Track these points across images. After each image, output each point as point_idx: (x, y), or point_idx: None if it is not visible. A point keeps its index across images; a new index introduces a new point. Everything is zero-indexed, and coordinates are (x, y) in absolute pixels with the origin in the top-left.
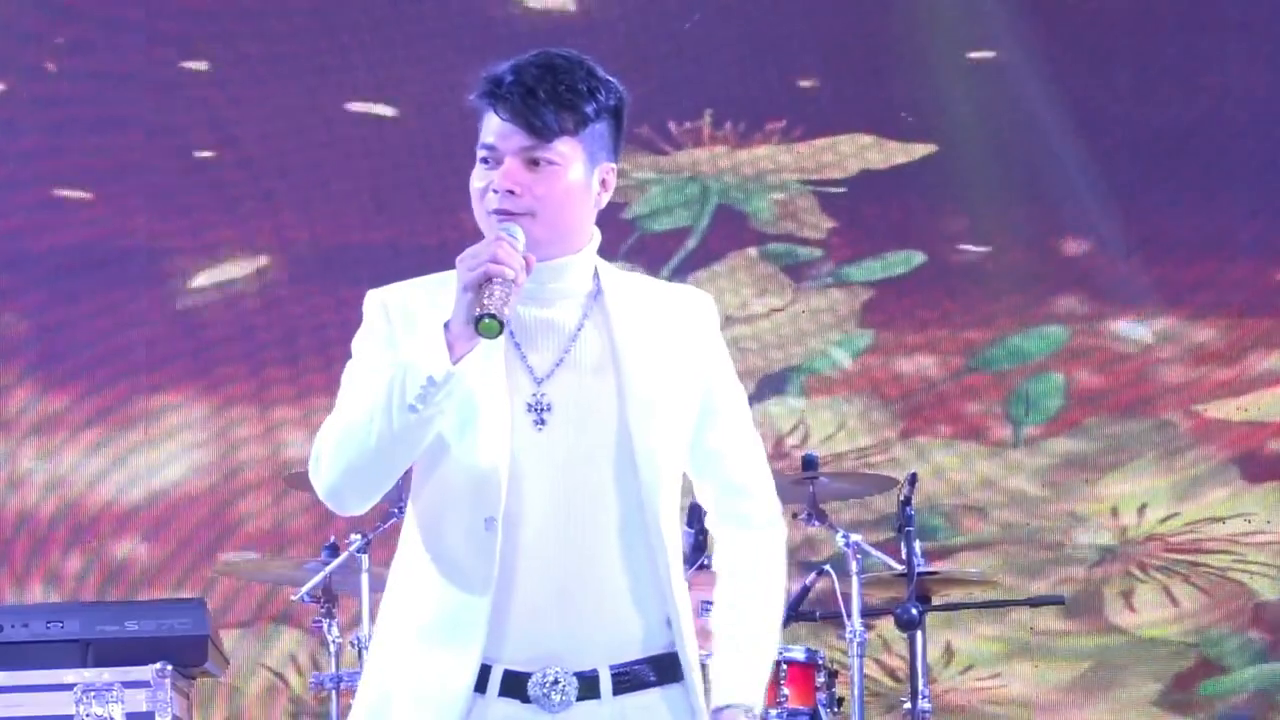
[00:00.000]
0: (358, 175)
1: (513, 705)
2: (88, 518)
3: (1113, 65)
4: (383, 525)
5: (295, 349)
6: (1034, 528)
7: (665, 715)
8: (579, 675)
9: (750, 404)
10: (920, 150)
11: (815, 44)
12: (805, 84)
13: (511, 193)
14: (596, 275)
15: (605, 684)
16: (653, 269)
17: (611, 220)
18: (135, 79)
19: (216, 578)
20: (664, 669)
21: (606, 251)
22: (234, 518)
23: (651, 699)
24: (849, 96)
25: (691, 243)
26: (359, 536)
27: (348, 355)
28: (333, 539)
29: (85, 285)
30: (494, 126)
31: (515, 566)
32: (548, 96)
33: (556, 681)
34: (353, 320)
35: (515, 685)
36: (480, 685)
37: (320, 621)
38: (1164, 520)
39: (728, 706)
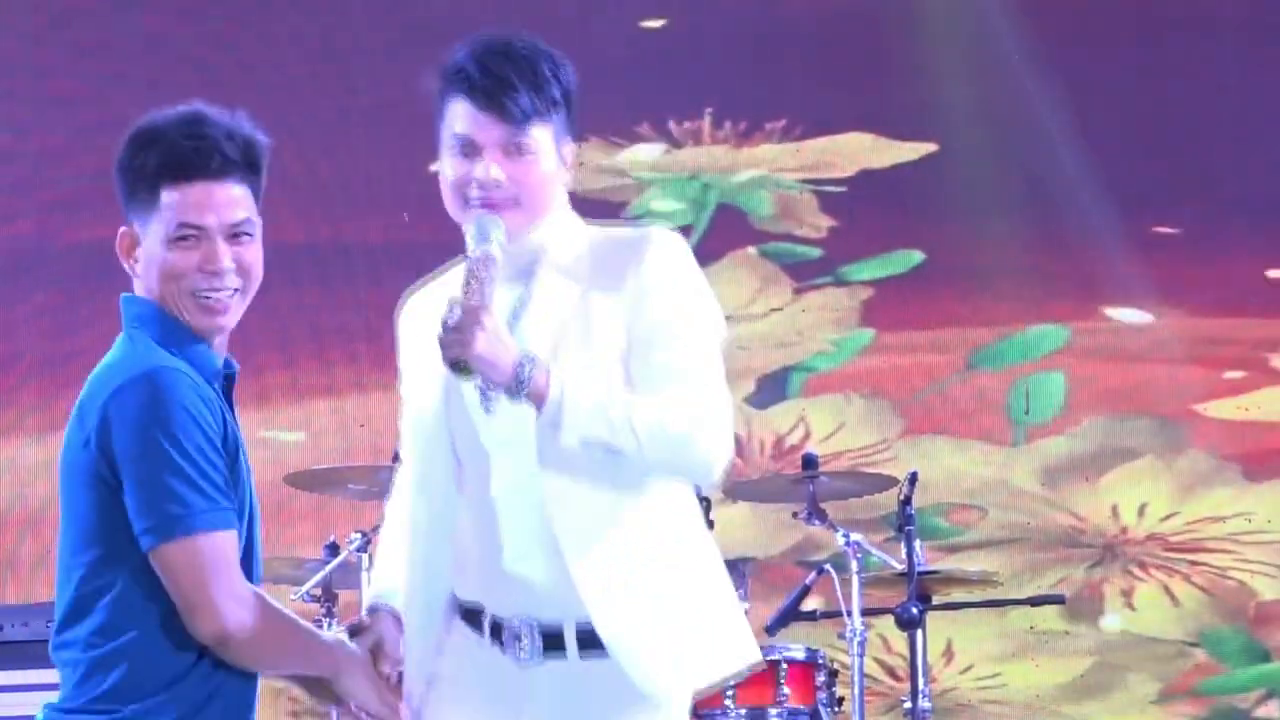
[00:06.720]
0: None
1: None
2: None
3: (1113, 63)
4: (382, 525)
5: (292, 350)
6: (1034, 527)
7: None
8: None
9: (750, 403)
10: (920, 150)
11: (815, 44)
12: (805, 83)
13: (497, 184)
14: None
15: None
16: None
17: (612, 219)
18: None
19: None
20: (586, 640)
21: None
22: None
23: (570, 664)
24: (849, 96)
25: (691, 242)
26: (359, 535)
27: (345, 356)
28: (333, 538)
29: (86, 287)
30: (467, 117)
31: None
32: (521, 83)
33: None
34: (348, 321)
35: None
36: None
37: (320, 620)
38: (1164, 519)
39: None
